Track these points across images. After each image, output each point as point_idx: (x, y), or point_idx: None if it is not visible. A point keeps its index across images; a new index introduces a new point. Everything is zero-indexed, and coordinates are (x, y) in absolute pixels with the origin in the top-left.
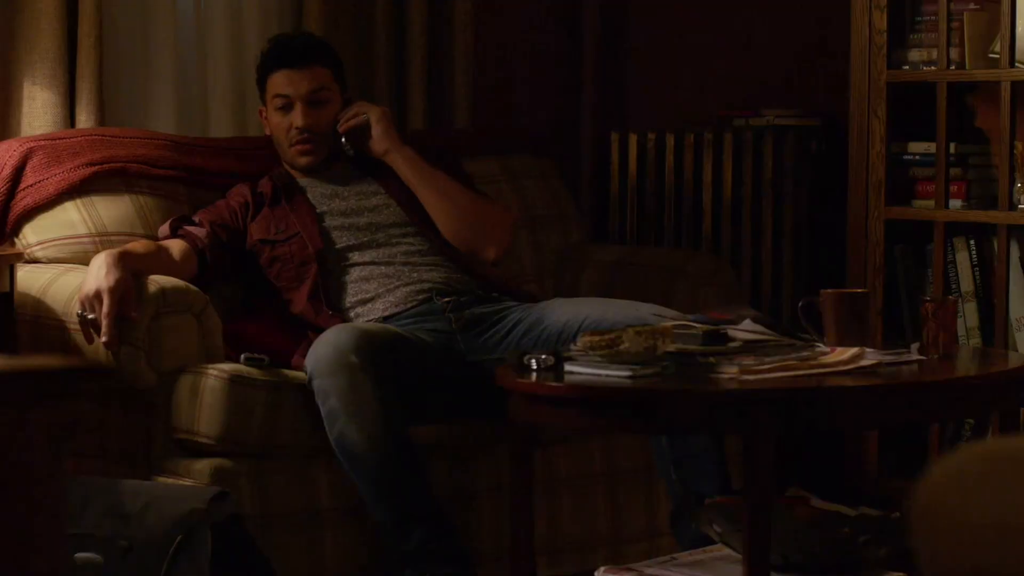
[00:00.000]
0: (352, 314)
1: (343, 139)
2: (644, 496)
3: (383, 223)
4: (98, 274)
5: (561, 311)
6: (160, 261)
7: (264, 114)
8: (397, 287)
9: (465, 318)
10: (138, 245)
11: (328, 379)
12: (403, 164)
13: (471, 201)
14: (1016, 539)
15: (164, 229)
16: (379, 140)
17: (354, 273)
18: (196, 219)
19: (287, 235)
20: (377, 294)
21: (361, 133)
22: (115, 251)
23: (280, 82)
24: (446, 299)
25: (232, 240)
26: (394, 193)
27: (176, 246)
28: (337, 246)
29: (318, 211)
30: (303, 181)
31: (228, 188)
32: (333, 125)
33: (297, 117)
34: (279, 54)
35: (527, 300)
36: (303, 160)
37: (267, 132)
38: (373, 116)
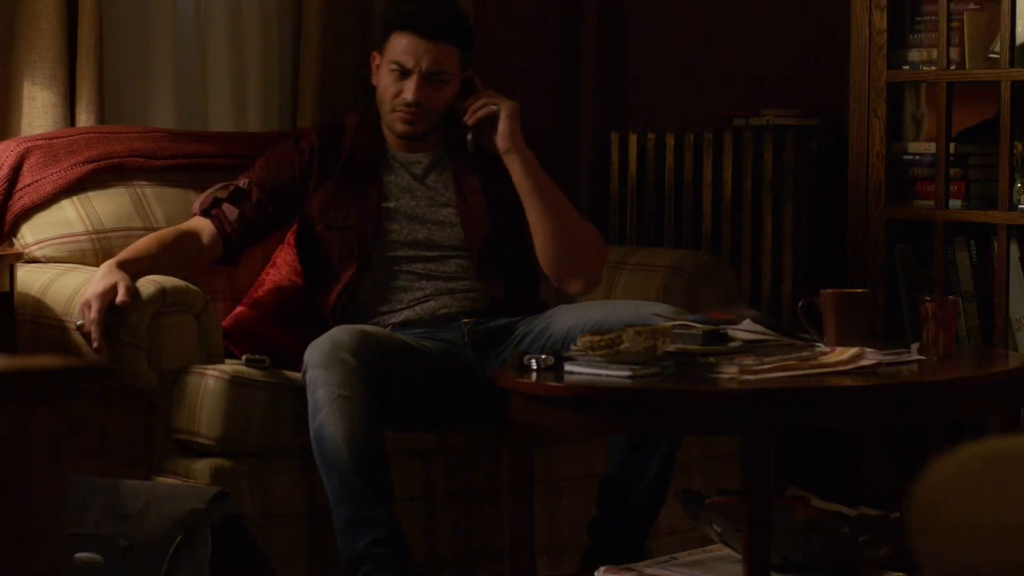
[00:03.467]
0: (374, 319)
1: (468, 135)
2: None
3: (440, 242)
4: (93, 281)
5: (565, 318)
6: (174, 254)
7: (376, 62)
8: (427, 301)
9: (479, 332)
10: (150, 242)
11: (319, 371)
12: (520, 167)
13: (578, 224)
14: (1016, 539)
15: (200, 203)
16: (504, 137)
17: (391, 280)
18: (244, 184)
19: (343, 224)
20: (407, 305)
21: (484, 124)
22: (114, 259)
23: (404, 47)
24: (467, 320)
25: (282, 207)
26: (464, 212)
27: (204, 229)
28: (387, 253)
29: (384, 205)
30: (389, 159)
31: (230, 171)
32: (452, 109)
33: (409, 91)
34: (414, 17)
35: (536, 311)
36: (402, 128)
37: (374, 82)
38: (504, 110)
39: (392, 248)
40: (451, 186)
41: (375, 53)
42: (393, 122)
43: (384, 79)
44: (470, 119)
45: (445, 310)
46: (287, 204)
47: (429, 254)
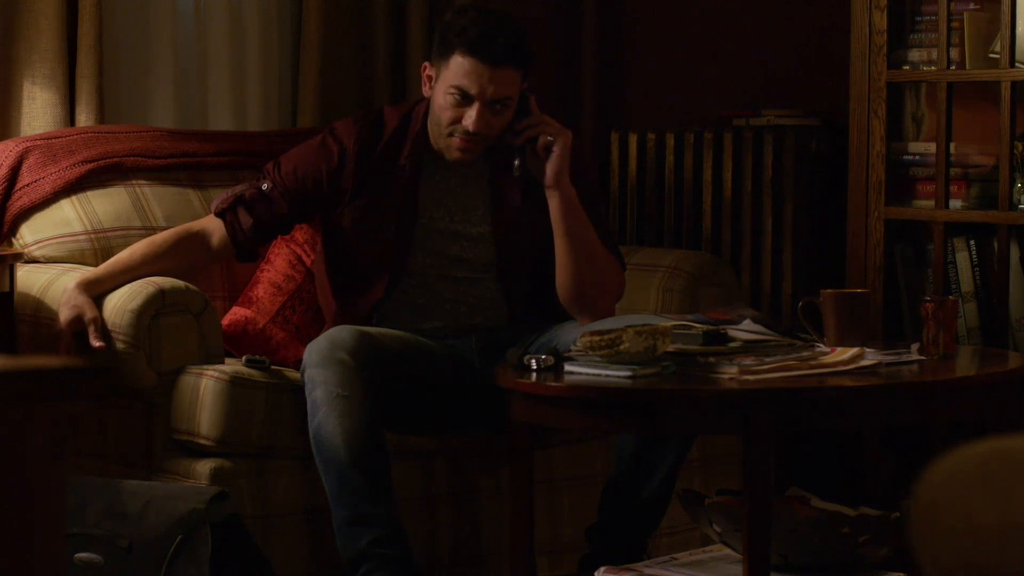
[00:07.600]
0: (398, 328)
1: (516, 160)
2: None
3: (472, 260)
4: (60, 308)
5: (572, 332)
6: (171, 260)
7: (428, 72)
8: (446, 316)
9: (487, 340)
10: (148, 246)
11: (318, 370)
12: (559, 206)
13: (603, 265)
14: (1016, 539)
15: (219, 203)
16: (553, 172)
17: (415, 293)
18: (266, 187)
19: (376, 237)
20: (427, 319)
21: (529, 147)
22: (81, 279)
23: (467, 72)
24: (479, 333)
25: (302, 213)
26: (498, 231)
27: (216, 231)
28: (417, 267)
29: (420, 220)
30: (427, 167)
31: (230, 170)
32: (505, 131)
33: (471, 120)
34: (480, 43)
35: (546, 322)
36: (457, 155)
37: (425, 93)
38: (559, 144)
39: (423, 263)
40: (488, 202)
41: (426, 64)
42: (448, 147)
43: (441, 99)
44: (520, 142)
45: (464, 328)
46: (308, 210)
47: (459, 273)
